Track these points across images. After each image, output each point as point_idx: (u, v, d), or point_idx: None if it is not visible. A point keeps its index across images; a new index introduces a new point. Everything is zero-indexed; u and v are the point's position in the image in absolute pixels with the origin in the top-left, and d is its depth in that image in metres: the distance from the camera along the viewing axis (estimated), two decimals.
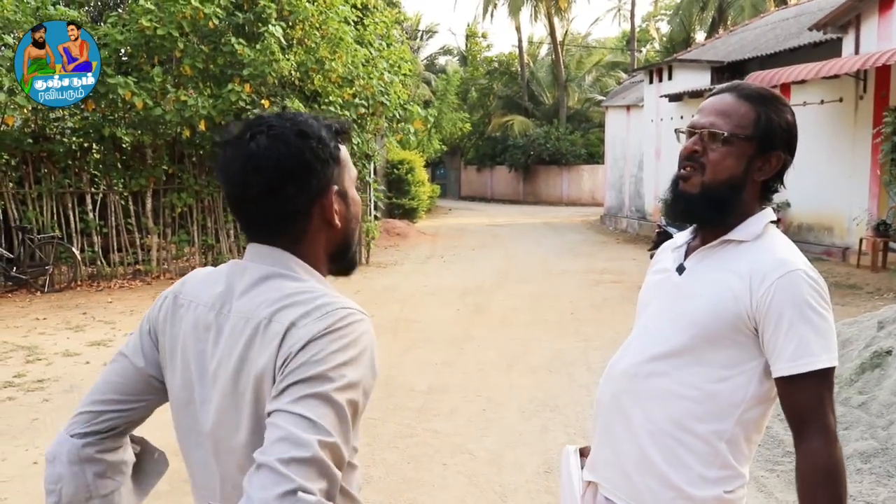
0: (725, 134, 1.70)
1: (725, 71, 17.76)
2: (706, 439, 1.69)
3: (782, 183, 1.80)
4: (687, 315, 1.73)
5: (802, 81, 13.01)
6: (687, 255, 1.83)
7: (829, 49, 13.86)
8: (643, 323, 1.87)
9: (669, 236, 3.11)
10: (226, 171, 1.35)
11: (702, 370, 1.70)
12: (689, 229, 1.88)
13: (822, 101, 13.55)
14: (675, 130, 1.91)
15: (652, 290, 1.90)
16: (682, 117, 17.43)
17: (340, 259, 1.47)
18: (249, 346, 1.29)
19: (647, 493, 1.75)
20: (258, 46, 11.96)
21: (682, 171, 1.77)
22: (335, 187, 1.39)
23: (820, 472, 1.58)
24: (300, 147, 1.33)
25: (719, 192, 1.71)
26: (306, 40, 12.99)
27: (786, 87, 14.06)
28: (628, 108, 22.07)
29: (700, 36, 33.96)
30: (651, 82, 19.37)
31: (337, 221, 1.40)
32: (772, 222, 1.77)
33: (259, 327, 1.29)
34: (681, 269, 1.81)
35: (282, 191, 1.32)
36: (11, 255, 11.50)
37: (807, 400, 1.61)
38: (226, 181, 1.36)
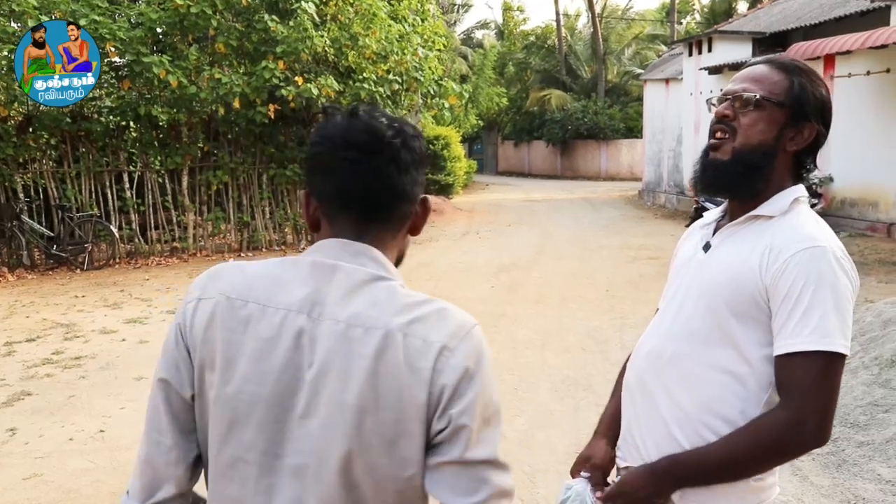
0: (757, 97, 1.66)
1: (767, 42, 17.29)
2: (734, 424, 1.62)
3: (815, 161, 1.73)
4: (708, 291, 1.67)
5: (848, 52, 12.62)
6: (715, 232, 1.78)
7: (876, 18, 13.42)
8: (667, 302, 1.82)
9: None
10: (376, 170, 1.25)
11: (726, 352, 1.64)
12: (720, 208, 1.83)
13: (867, 73, 13.14)
14: (707, 101, 1.86)
15: (677, 269, 1.85)
16: (721, 90, 16.93)
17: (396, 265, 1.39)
18: (380, 358, 1.17)
19: None
20: (291, 23, 11.95)
21: (712, 139, 1.73)
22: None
23: (763, 430, 1.56)
24: (423, 146, 1.32)
25: (750, 158, 1.66)
26: (339, 16, 12.94)
27: (830, 59, 13.67)
28: (667, 81, 21.69)
29: (742, 6, 33.20)
30: (690, 55, 18.98)
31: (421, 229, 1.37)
32: (800, 198, 1.69)
33: (389, 339, 1.18)
34: (707, 247, 1.76)
35: (412, 192, 1.30)
36: (52, 234, 11.71)
37: (808, 379, 1.52)
38: (376, 178, 1.25)
